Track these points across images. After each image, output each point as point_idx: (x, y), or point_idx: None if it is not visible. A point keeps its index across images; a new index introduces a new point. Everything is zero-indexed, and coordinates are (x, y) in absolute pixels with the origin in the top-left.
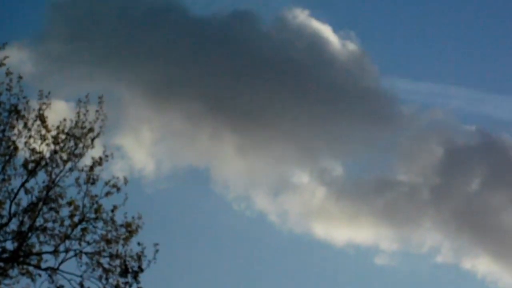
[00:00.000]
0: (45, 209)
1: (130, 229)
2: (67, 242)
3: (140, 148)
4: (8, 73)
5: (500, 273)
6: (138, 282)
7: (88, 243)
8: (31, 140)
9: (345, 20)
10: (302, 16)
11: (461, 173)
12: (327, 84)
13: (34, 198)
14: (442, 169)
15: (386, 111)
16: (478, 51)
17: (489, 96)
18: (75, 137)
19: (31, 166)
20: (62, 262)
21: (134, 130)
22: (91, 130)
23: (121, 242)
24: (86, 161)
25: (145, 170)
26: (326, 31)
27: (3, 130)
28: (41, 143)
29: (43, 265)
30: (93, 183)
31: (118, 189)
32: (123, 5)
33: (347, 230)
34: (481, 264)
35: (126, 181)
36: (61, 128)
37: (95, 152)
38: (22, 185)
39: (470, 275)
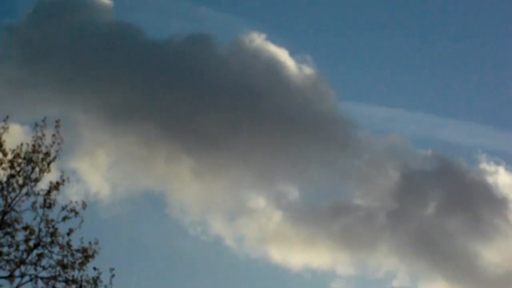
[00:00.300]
0: (0, 233)
1: (87, 254)
2: (23, 267)
3: (96, 172)
4: None
5: None
6: None
7: (44, 268)
8: None
9: (302, 44)
10: (258, 40)
11: (417, 197)
12: (283, 108)
13: None
14: (398, 193)
15: (343, 135)
16: (434, 77)
17: (445, 121)
18: (31, 161)
19: None
20: (17, 287)
21: (90, 154)
22: (47, 154)
23: (77, 267)
24: (43, 185)
25: (100, 194)
26: (282, 55)
27: None
28: None
29: None
30: (49, 207)
31: (76, 214)
32: (79, 29)
33: (304, 255)
34: None
35: (84, 205)
36: (17, 152)
37: (51, 176)
38: None
39: None
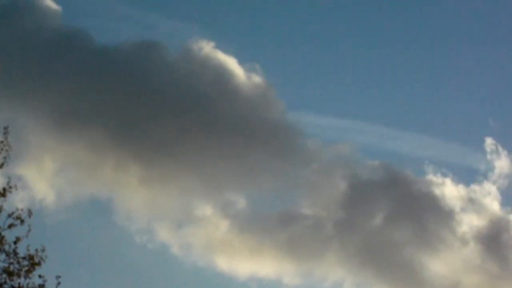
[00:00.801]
0: None
1: (33, 262)
2: None
3: (41, 179)
4: None
5: None
6: None
7: None
8: None
9: (251, 53)
10: (207, 48)
11: (365, 207)
12: (232, 117)
13: None
14: (346, 203)
15: (291, 145)
16: (384, 88)
17: (394, 133)
18: None
19: None
20: None
21: (36, 160)
22: None
23: (23, 274)
24: None
25: (46, 200)
26: (231, 63)
27: None
28: None
29: None
30: None
31: (22, 221)
32: (27, 34)
33: (250, 264)
34: None
35: (30, 213)
36: None
37: None
38: None
39: None
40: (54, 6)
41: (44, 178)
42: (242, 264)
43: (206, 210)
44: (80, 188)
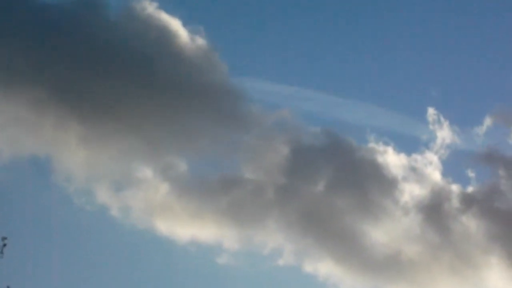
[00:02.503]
0: None
1: None
2: None
3: None
4: None
5: (341, 276)
6: None
7: None
8: None
9: (195, 15)
10: (150, 8)
11: (306, 174)
12: (174, 79)
13: None
14: (288, 169)
15: (233, 109)
16: (327, 56)
17: (337, 100)
18: None
19: None
20: None
21: None
22: None
23: None
24: None
25: None
26: (175, 24)
27: None
28: None
29: None
30: None
31: None
32: None
33: (191, 228)
34: (323, 267)
35: None
36: None
37: None
38: None
39: (311, 278)
40: None
41: None
42: (182, 228)
43: (146, 172)
44: (19, 146)
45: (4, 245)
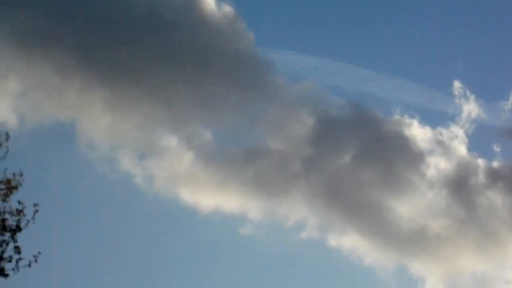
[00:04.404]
0: None
1: (10, 186)
2: None
3: (4, 100)
4: None
5: (366, 250)
6: (15, 241)
7: None
8: None
9: None
10: None
11: (332, 146)
12: (200, 46)
13: None
14: (313, 141)
15: (259, 79)
16: (356, 28)
17: (362, 72)
18: None
19: None
20: None
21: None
22: None
23: (1, 198)
24: None
25: (8, 124)
26: None
27: None
28: None
29: None
30: None
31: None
32: None
33: (215, 198)
34: (347, 241)
35: (8, 136)
36: None
37: None
38: None
39: (335, 252)
40: None
41: (6, 100)
42: (206, 197)
43: (170, 141)
44: (43, 112)
45: (36, 211)
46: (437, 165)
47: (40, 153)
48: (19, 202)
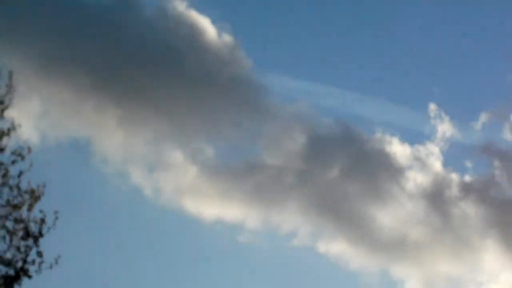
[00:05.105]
0: None
1: (34, 196)
2: None
3: (28, 119)
4: None
5: (351, 255)
6: (37, 246)
7: None
8: None
9: (223, 14)
10: (181, 7)
11: (321, 161)
12: (202, 71)
13: None
14: (305, 156)
15: (256, 100)
16: (342, 55)
17: (348, 95)
18: None
19: None
20: None
21: (24, 102)
22: (0, 102)
23: (26, 207)
24: None
25: (31, 141)
26: (204, 22)
27: None
28: None
29: None
30: (2, 151)
31: (23, 158)
32: None
33: (216, 208)
34: (335, 248)
35: (30, 150)
36: None
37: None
38: None
39: (324, 258)
40: None
41: (29, 119)
42: (208, 208)
43: (176, 156)
44: (63, 129)
45: (56, 218)
46: (415, 179)
47: (59, 166)
48: (40, 211)
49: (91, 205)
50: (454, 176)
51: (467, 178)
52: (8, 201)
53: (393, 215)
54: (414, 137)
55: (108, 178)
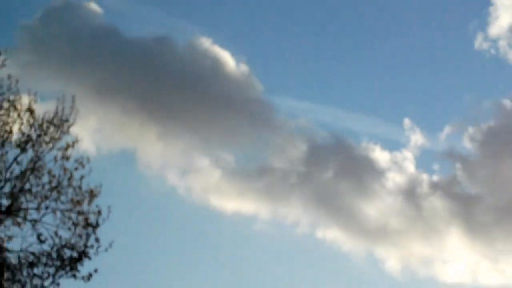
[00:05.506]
0: (31, 176)
1: (92, 194)
2: (47, 201)
3: (86, 134)
4: (9, 76)
5: (344, 240)
6: (95, 234)
7: (62, 203)
8: (23, 126)
9: (241, 48)
10: (207, 43)
11: (319, 165)
12: (224, 95)
13: (23, 168)
14: (305, 161)
15: (266, 117)
16: (338, 81)
17: (341, 112)
18: (54, 125)
19: (22, 145)
20: (43, 216)
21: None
22: (66, 120)
23: (86, 203)
24: (62, 143)
25: (88, 152)
26: (225, 55)
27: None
28: (30, 128)
29: (29, 218)
30: (67, 159)
31: (83, 166)
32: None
33: (236, 204)
34: (330, 234)
35: (88, 159)
36: (45, 118)
37: (67, 136)
38: (15, 158)
39: (321, 242)
40: (96, 8)
41: (88, 134)
42: (229, 203)
43: (203, 162)
44: (113, 143)
45: (109, 212)
46: (394, 179)
47: (111, 172)
48: (96, 206)
49: (137, 201)
50: (425, 176)
51: (435, 178)
52: (72, 199)
53: (376, 208)
54: (392, 145)
55: (149, 181)
